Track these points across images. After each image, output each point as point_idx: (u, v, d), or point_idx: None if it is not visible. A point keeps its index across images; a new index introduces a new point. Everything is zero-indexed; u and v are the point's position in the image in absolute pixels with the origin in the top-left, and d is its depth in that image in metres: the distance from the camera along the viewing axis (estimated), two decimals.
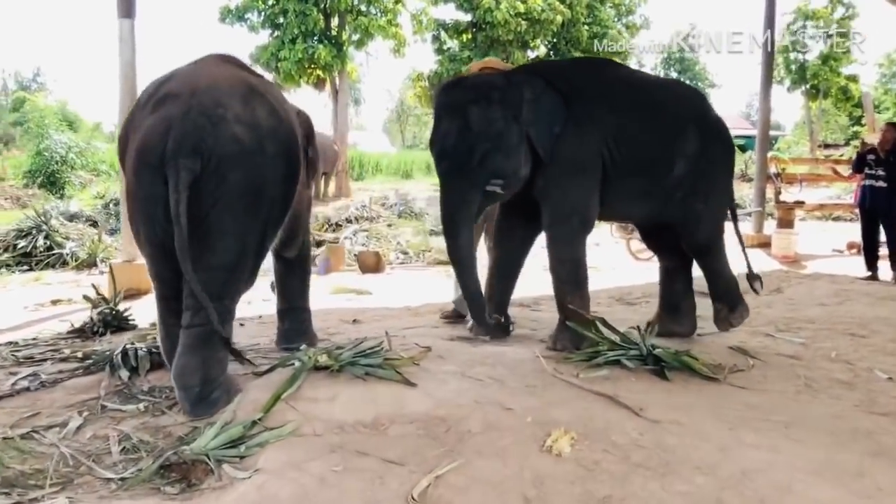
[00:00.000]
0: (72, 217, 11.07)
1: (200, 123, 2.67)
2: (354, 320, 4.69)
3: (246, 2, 19.16)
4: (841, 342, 4.22)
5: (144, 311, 4.39)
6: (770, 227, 10.53)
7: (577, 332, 3.59)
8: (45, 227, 9.48)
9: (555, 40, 23.02)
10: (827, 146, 30.56)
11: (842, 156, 21.94)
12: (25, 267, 8.76)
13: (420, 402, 2.79)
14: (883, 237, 7.43)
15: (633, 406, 2.82)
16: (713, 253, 4.16)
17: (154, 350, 3.28)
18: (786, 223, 9.73)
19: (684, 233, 4.07)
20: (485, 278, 3.91)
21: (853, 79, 30.11)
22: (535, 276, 4.66)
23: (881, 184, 7.25)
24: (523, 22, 20.91)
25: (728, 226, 4.24)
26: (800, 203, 10.69)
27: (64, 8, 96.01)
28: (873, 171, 7.33)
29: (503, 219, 4.04)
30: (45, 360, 3.48)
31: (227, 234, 2.75)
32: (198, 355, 2.76)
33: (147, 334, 3.72)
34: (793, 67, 30.06)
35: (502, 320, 4.03)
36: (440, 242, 6.66)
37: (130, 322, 4.27)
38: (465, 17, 22.08)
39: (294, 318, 3.79)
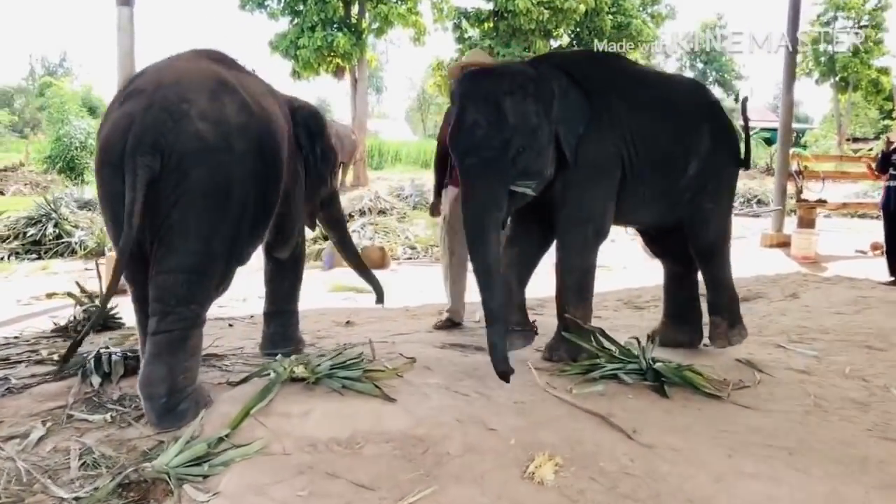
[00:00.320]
0: (85, 204, 11.07)
1: (161, 119, 2.54)
2: (348, 322, 4.56)
3: None
4: (856, 356, 4.00)
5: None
6: (791, 225, 10.25)
7: (574, 342, 3.42)
8: (54, 215, 9.49)
9: (577, 30, 22.73)
10: (856, 140, 30.02)
11: (870, 150, 21.48)
12: (34, 255, 8.77)
13: (399, 419, 2.64)
14: None
15: (627, 428, 2.66)
16: (718, 258, 3.96)
17: (130, 354, 3.16)
18: (807, 222, 9.46)
19: (691, 234, 3.87)
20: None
21: (884, 71, 29.49)
22: (544, 276, 4.45)
23: None
24: (546, 11, 20.64)
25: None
26: (822, 202, 10.39)
27: None
28: None
29: (517, 223, 3.75)
30: (20, 361, 3.37)
31: (189, 235, 2.61)
32: (164, 363, 2.62)
33: (132, 334, 3.60)
34: (822, 59, 29.48)
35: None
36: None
37: (117, 320, 4.17)
38: (487, 6, 21.85)
39: (280, 323, 3.65)
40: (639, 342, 3.38)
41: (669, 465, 2.41)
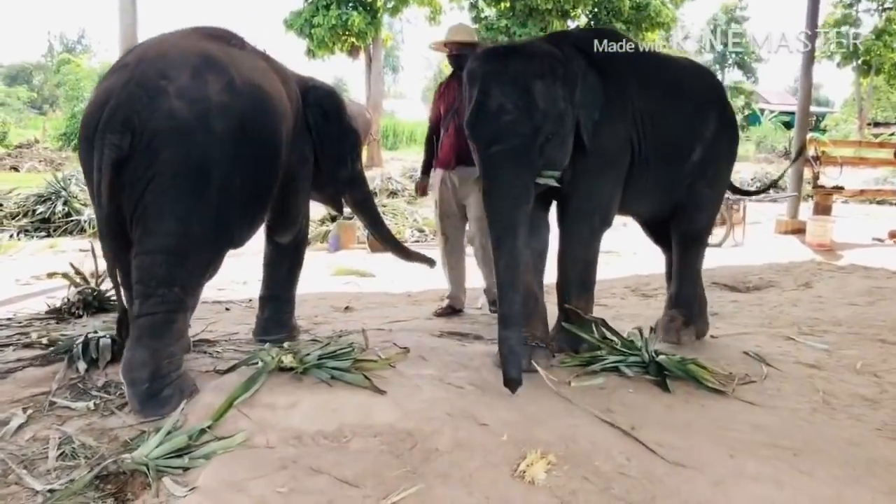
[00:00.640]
0: None
1: (137, 96, 2.45)
2: (347, 308, 4.47)
3: None
4: (869, 350, 3.86)
5: None
6: (806, 212, 10.04)
7: (575, 333, 3.31)
8: (64, 192, 9.48)
9: (595, 10, 22.34)
10: (877, 124, 29.48)
11: (892, 134, 21.09)
12: (43, 233, 8.76)
13: (388, 412, 2.56)
14: None
15: (625, 424, 2.56)
16: (699, 247, 3.88)
17: (119, 339, 3.08)
18: (823, 209, 9.25)
19: (683, 218, 3.78)
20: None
21: None
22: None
23: None
24: None
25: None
26: (839, 188, 10.16)
27: None
28: None
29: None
30: (9, 345, 3.31)
31: (164, 216, 2.53)
32: (146, 347, 2.55)
33: None
34: (843, 42, 28.90)
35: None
36: None
37: (112, 302, 4.09)
38: None
39: (275, 308, 3.57)
40: (641, 333, 3.27)
41: (667, 466, 2.31)
